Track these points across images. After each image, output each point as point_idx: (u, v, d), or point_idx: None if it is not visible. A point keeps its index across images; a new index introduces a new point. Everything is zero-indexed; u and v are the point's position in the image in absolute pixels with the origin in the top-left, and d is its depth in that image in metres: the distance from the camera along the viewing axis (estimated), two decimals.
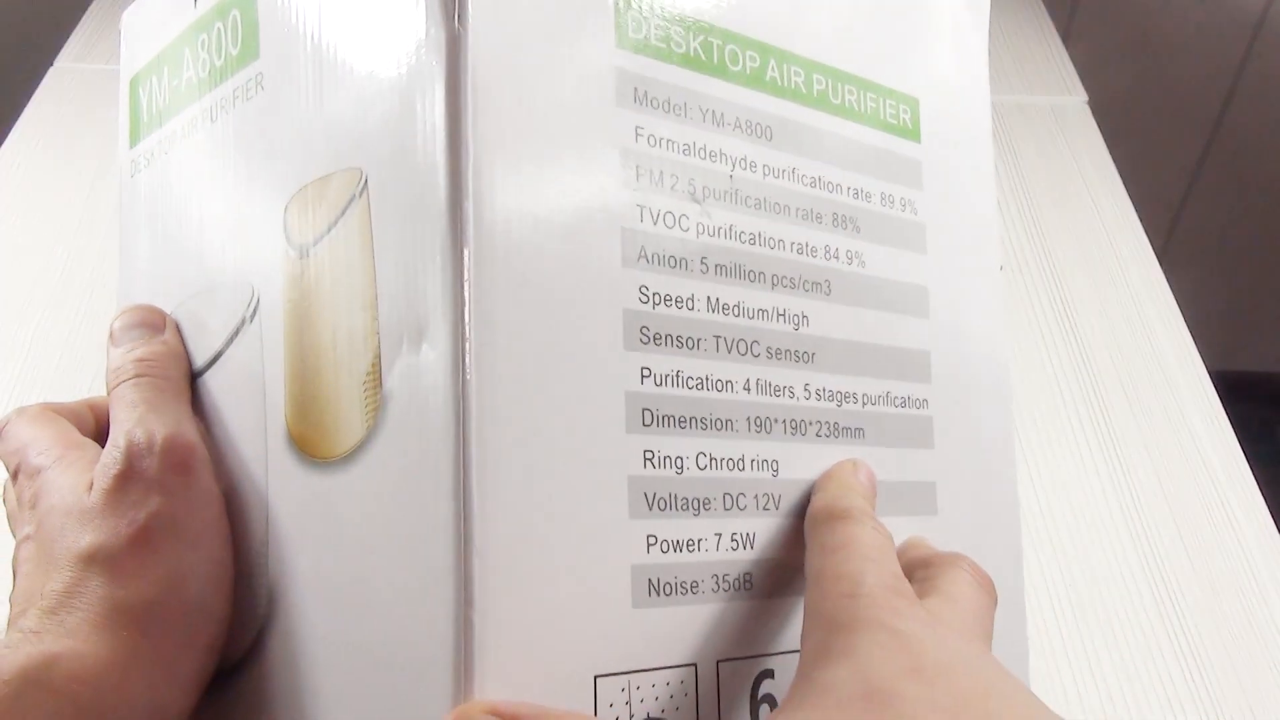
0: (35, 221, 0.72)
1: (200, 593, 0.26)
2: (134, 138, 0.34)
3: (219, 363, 0.29)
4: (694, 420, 0.25)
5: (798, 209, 0.28)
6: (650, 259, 0.25)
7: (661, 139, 0.26)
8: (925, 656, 0.21)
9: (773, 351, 0.27)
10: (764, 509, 0.26)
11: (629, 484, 0.24)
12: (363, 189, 0.25)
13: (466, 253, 0.22)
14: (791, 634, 0.26)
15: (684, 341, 0.25)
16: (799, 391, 0.27)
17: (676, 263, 0.26)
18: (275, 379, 0.27)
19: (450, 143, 0.23)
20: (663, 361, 0.25)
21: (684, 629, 0.25)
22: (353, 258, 0.25)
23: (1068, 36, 1.03)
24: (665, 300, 0.25)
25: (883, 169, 0.30)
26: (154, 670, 0.25)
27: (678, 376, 0.25)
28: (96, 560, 0.25)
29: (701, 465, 0.25)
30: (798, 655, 0.25)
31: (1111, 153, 0.80)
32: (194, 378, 0.30)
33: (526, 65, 0.24)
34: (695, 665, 0.25)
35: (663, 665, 0.24)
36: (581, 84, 0.25)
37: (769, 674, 0.26)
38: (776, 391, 0.27)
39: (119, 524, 0.26)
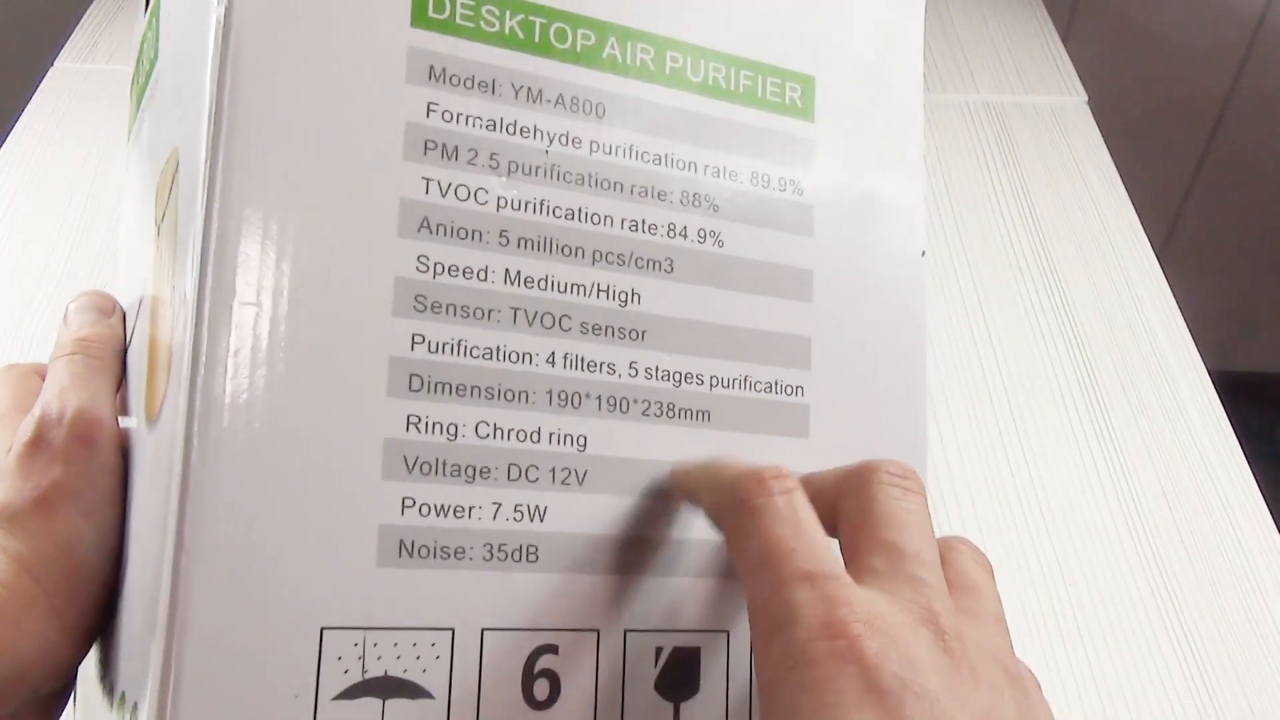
0: (35, 221, 0.72)
1: (89, 556, 0.28)
2: (127, 136, 0.36)
3: (133, 338, 0.31)
4: (476, 389, 0.26)
5: (634, 186, 0.28)
6: (434, 229, 0.26)
7: (458, 114, 0.26)
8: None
9: (588, 327, 0.27)
10: (563, 483, 0.26)
11: (384, 446, 0.25)
12: (178, 167, 0.26)
13: (209, 250, 0.24)
14: (583, 611, 0.26)
15: (470, 311, 0.26)
16: (622, 369, 0.27)
17: (468, 234, 0.26)
18: (144, 348, 0.29)
19: (211, 129, 0.24)
20: (441, 330, 0.25)
21: (442, 593, 0.25)
22: (170, 227, 0.26)
23: (1068, 36, 1.03)
24: (450, 270, 0.26)
25: (755, 147, 0.30)
26: (47, 616, 0.27)
27: (459, 345, 0.26)
28: (3, 516, 0.28)
29: (482, 434, 0.26)
30: (584, 633, 0.26)
31: (1111, 153, 0.80)
32: (125, 354, 0.32)
33: (296, 47, 0.25)
34: (453, 630, 0.25)
35: (411, 626, 0.25)
36: (362, 64, 0.25)
37: (551, 649, 0.26)
38: (590, 367, 0.27)
39: (24, 487, 0.28)
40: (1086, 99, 0.85)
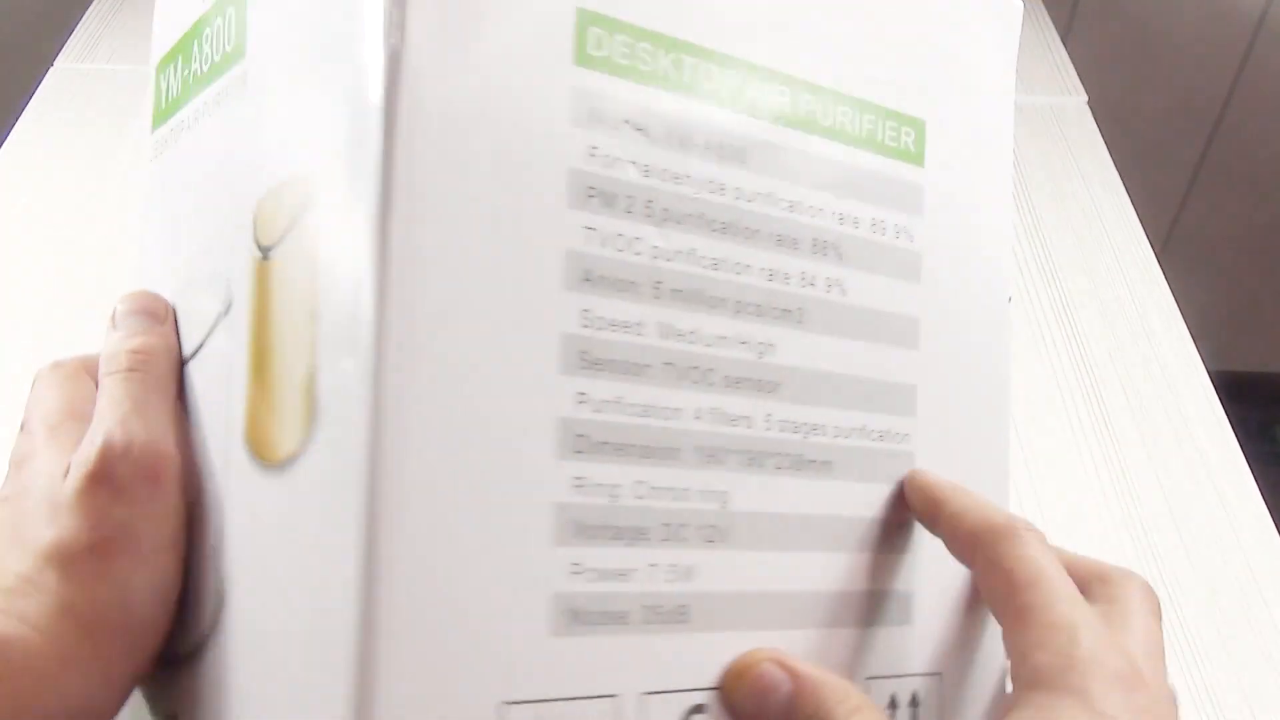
0: (35, 222, 0.72)
1: (145, 605, 0.26)
2: (155, 122, 0.33)
3: (201, 353, 0.29)
4: (633, 448, 0.25)
5: (771, 234, 0.27)
6: (596, 282, 0.24)
7: (617, 159, 0.25)
8: None
9: (730, 380, 0.26)
10: (708, 541, 0.26)
11: (555, 511, 0.24)
12: (310, 199, 0.25)
13: (392, 274, 0.22)
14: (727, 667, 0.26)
15: (628, 368, 0.25)
16: (758, 422, 0.27)
17: (626, 287, 0.25)
18: (240, 377, 0.27)
19: (383, 180, 0.22)
20: (602, 387, 0.24)
21: (607, 659, 0.24)
22: (303, 265, 0.25)
23: (1068, 36, 1.03)
24: (610, 325, 0.25)
25: (876, 194, 0.29)
26: (91, 670, 0.25)
27: (618, 403, 0.25)
28: (55, 557, 0.26)
29: (639, 494, 0.25)
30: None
31: (1111, 153, 0.80)
32: (182, 365, 0.30)
33: (467, 86, 0.23)
34: (617, 696, 0.25)
35: (581, 695, 0.24)
36: (531, 106, 0.24)
37: (700, 709, 0.26)
38: (732, 421, 0.26)
39: (81, 527, 0.26)
40: (1086, 99, 0.85)
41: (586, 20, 0.25)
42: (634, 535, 0.25)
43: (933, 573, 0.29)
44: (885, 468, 0.29)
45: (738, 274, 0.27)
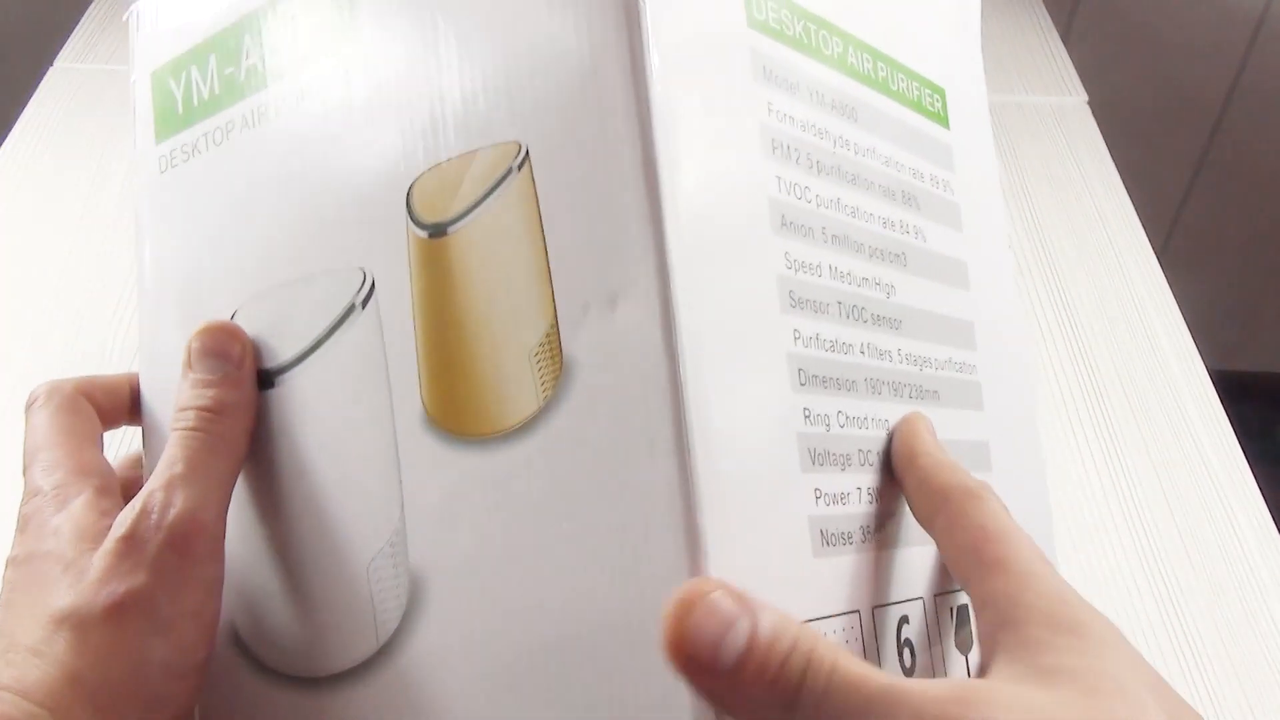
0: (35, 222, 0.72)
1: (160, 680, 0.26)
2: (164, 132, 0.33)
3: (312, 358, 0.29)
4: (832, 380, 0.27)
5: (879, 185, 0.30)
6: (789, 227, 0.26)
7: (785, 114, 0.27)
8: (1154, 676, 0.24)
9: (874, 318, 0.29)
10: (878, 466, 0.28)
11: (797, 440, 0.25)
12: (522, 162, 0.25)
13: (668, 220, 0.23)
14: (916, 581, 0.28)
15: (818, 306, 0.27)
16: (895, 356, 0.29)
17: (807, 232, 0.27)
18: (404, 363, 0.27)
19: (640, 116, 0.23)
20: (806, 325, 0.26)
21: (846, 577, 0.26)
22: (512, 232, 0.25)
23: (1068, 36, 1.03)
24: (802, 267, 0.27)
25: (926, 151, 0.32)
26: None
27: (817, 339, 0.26)
28: (67, 623, 0.25)
29: (840, 423, 0.27)
30: (915, 601, 0.28)
31: (1111, 153, 0.80)
32: (266, 383, 0.29)
33: (691, 42, 0.25)
34: (859, 612, 0.26)
35: (835, 613, 0.26)
36: (728, 60, 0.26)
37: (906, 620, 0.28)
38: (881, 355, 0.28)
39: (99, 591, 0.25)
40: (1086, 99, 0.85)
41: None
42: (844, 461, 0.27)
43: (1004, 494, 0.32)
44: (968, 395, 0.32)
45: (865, 221, 0.29)
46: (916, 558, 0.28)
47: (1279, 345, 1.29)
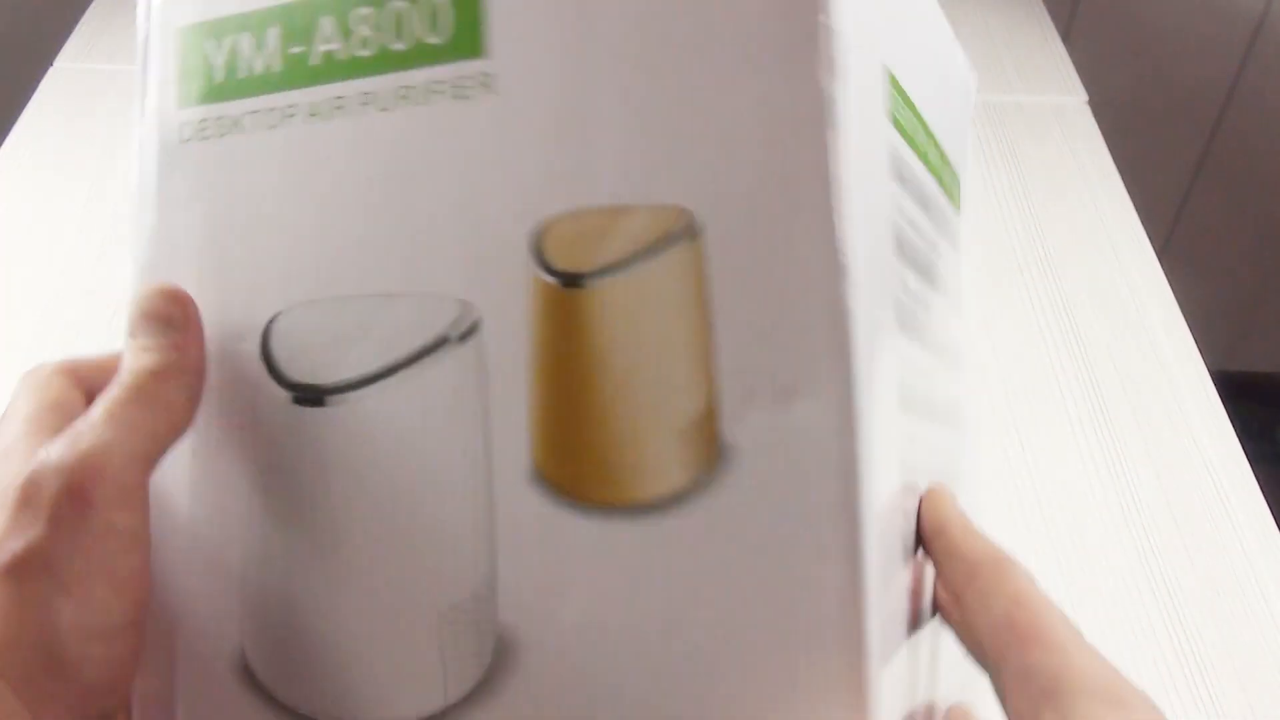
0: (35, 222, 0.72)
1: (75, 643, 0.24)
2: (191, 97, 0.29)
3: (385, 383, 0.26)
4: (911, 485, 0.27)
5: (942, 285, 0.32)
6: (905, 329, 0.27)
7: (902, 210, 0.27)
8: None
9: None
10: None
11: (902, 548, 0.26)
12: (688, 231, 0.24)
13: (852, 315, 0.23)
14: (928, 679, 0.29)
15: (913, 404, 0.28)
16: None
17: (913, 335, 0.28)
18: (511, 411, 0.25)
19: (831, 218, 0.23)
20: (910, 422, 0.27)
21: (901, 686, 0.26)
22: (668, 299, 0.24)
23: (1068, 36, 1.03)
24: (910, 370, 0.28)
25: (950, 234, 0.34)
26: (11, 715, 0.23)
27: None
28: None
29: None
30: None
31: (1111, 153, 0.80)
32: (310, 400, 0.27)
33: (859, 142, 0.24)
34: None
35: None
36: (875, 157, 0.26)
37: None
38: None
39: (1, 548, 0.24)
40: (1086, 99, 0.85)
41: (891, 80, 0.27)
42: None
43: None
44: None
45: (926, 314, 0.30)
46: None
47: (1279, 345, 1.29)
